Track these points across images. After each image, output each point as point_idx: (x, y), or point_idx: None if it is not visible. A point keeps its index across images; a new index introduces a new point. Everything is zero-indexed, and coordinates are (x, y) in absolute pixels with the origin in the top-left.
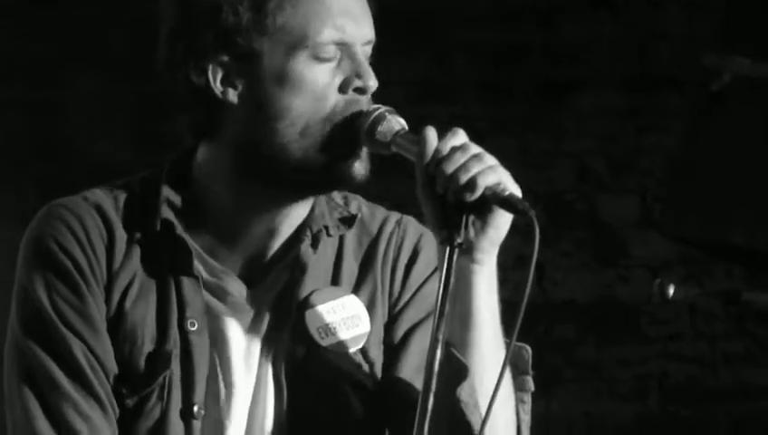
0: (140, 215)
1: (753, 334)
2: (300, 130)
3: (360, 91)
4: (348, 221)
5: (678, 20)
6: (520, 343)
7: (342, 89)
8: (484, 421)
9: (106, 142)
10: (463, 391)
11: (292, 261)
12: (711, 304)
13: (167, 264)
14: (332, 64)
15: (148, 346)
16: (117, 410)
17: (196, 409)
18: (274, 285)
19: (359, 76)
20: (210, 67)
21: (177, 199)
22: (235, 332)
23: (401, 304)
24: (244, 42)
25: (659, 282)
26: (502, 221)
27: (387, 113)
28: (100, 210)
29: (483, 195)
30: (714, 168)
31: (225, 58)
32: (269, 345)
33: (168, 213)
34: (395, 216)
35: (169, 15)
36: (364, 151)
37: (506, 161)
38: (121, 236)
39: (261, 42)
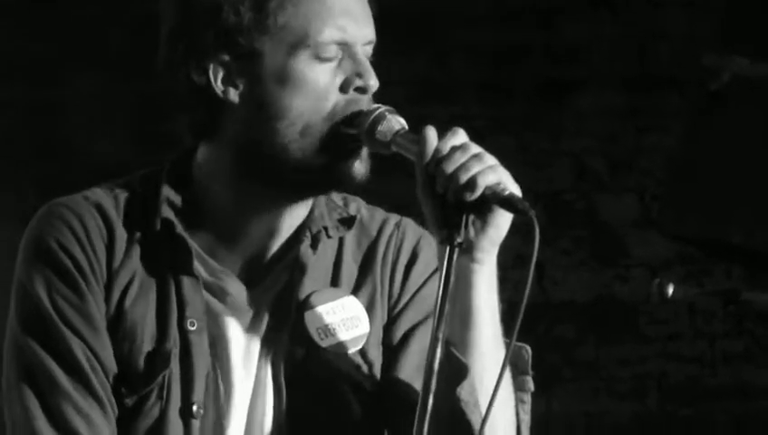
0: (140, 214)
1: (752, 334)
2: (300, 129)
3: (362, 90)
4: (347, 222)
5: (678, 20)
6: (520, 343)
7: (343, 88)
8: (484, 420)
9: (106, 142)
10: (463, 390)
11: (291, 262)
12: (710, 303)
13: (166, 263)
14: (333, 64)
15: (148, 345)
16: (116, 409)
17: (195, 408)
18: (274, 286)
19: (360, 76)
20: (211, 66)
21: (177, 199)
22: (234, 332)
23: (400, 305)
24: (245, 41)
25: (658, 281)
26: (502, 221)
27: (387, 113)
28: (100, 209)
29: (483, 194)
30: (713, 167)
31: (226, 57)
32: (268, 346)
33: (168, 212)
34: (394, 218)
35: (170, 15)
36: (364, 151)
37: (506, 161)
38: (121, 235)
39: (262, 41)
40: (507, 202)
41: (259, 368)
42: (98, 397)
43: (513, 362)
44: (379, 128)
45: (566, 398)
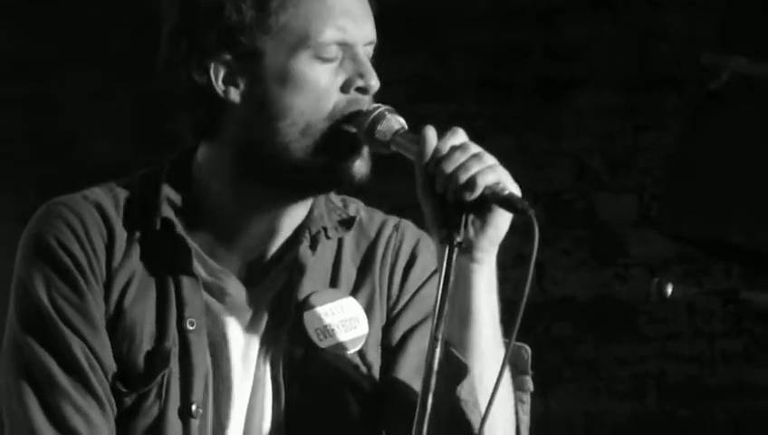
0: (140, 213)
1: (751, 333)
2: (301, 129)
3: (363, 90)
4: (346, 223)
5: (677, 19)
6: (519, 343)
7: (344, 89)
8: (483, 419)
9: (106, 142)
10: (463, 390)
11: (290, 262)
12: (709, 302)
13: (166, 262)
14: (334, 64)
15: (147, 345)
16: (115, 409)
17: (194, 408)
18: (273, 286)
19: (361, 76)
20: (212, 66)
21: (177, 199)
22: (233, 332)
23: (399, 306)
24: (246, 40)
25: (657, 281)
26: (501, 220)
27: (386, 112)
28: (99, 209)
29: (482, 194)
30: (712, 167)
31: (228, 57)
32: (267, 346)
33: (168, 212)
34: (393, 220)
35: (171, 14)
36: (365, 150)
37: (505, 160)
38: (121, 234)
39: (263, 41)
40: (507, 202)
41: (258, 368)
42: (97, 396)
43: (513, 362)
44: (378, 127)
45: (565, 397)
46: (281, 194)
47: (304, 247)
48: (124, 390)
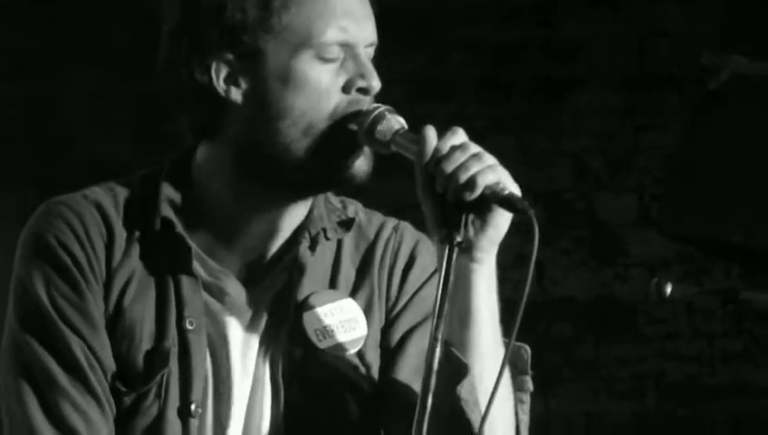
0: (140, 213)
1: (751, 333)
2: (302, 129)
3: (364, 91)
4: (346, 225)
5: (678, 18)
6: (519, 343)
7: (346, 89)
8: (483, 418)
9: (106, 142)
10: (463, 389)
11: (290, 262)
12: (709, 302)
13: (166, 262)
14: (336, 65)
15: (147, 344)
16: (114, 408)
17: (193, 407)
18: (272, 286)
19: (362, 77)
20: (214, 65)
21: (176, 198)
22: (232, 332)
23: (398, 308)
24: (249, 40)
25: (657, 281)
26: (501, 220)
27: (386, 112)
28: (99, 208)
29: (482, 194)
30: (712, 166)
31: (230, 56)
32: (267, 346)
33: (167, 211)
34: (392, 221)
35: (173, 12)
36: (366, 149)
37: (505, 160)
38: (121, 233)
39: (265, 40)
40: (507, 202)
41: (257, 368)
42: (96, 395)
43: (513, 362)
44: (378, 127)
45: (565, 397)
46: (281, 194)
47: (304, 248)
48: (123, 389)
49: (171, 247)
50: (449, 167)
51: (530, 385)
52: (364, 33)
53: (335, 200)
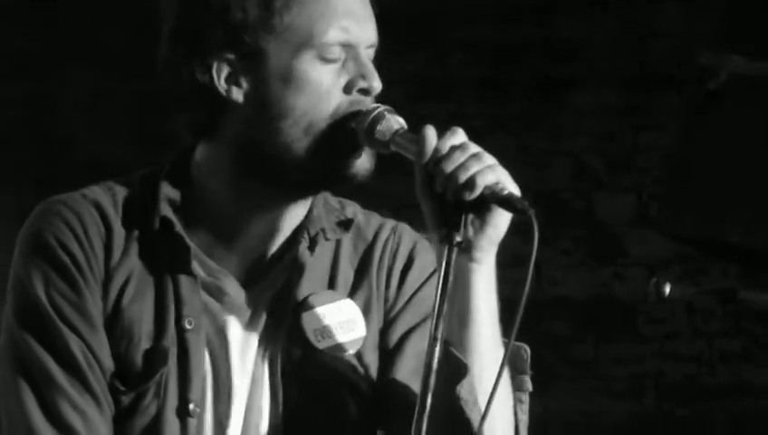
0: (139, 213)
1: (750, 333)
2: (304, 129)
3: (365, 92)
4: (345, 225)
5: (677, 19)
6: (518, 343)
7: (347, 90)
8: (483, 418)
9: (106, 142)
10: (462, 389)
11: (289, 262)
12: (708, 302)
13: (164, 261)
14: (337, 65)
15: (145, 343)
16: (112, 407)
17: (191, 407)
18: (271, 286)
19: (363, 77)
20: (215, 65)
21: (176, 198)
22: (231, 331)
23: (396, 309)
24: (250, 40)
25: (656, 280)
26: (501, 220)
27: (386, 112)
28: (98, 207)
29: (482, 194)
30: (710, 166)
31: (231, 56)
32: (265, 346)
33: (167, 211)
34: (390, 223)
35: (173, 12)
36: (367, 149)
37: (504, 160)
38: (119, 233)
39: (267, 40)
40: (506, 201)
41: (256, 367)
42: (94, 394)
43: (512, 362)
44: (378, 127)
45: (563, 397)
46: (281, 193)
47: (303, 248)
48: (122, 388)
49: (170, 247)
50: (449, 167)
51: (529, 385)
52: (365, 33)
53: (333, 201)
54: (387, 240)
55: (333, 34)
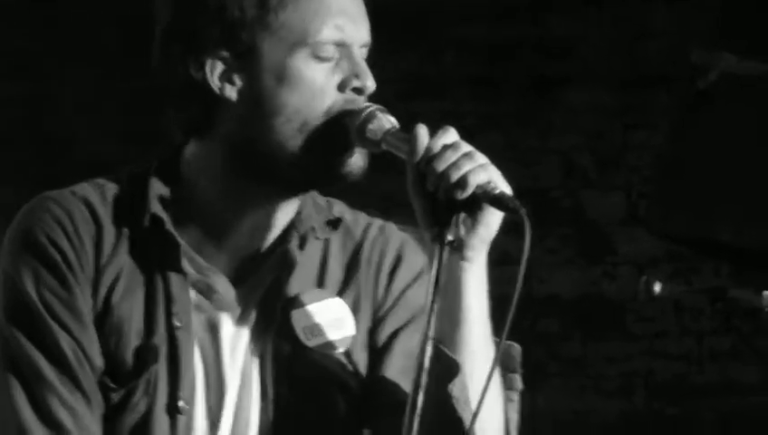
0: (129, 210)
1: (739, 331)
2: (297, 127)
3: (358, 91)
4: (333, 224)
5: (669, 17)
6: (509, 342)
7: (341, 88)
8: (474, 416)
9: (106, 141)
10: (454, 387)
11: (279, 260)
12: (697, 301)
13: (154, 259)
14: (331, 64)
15: (135, 341)
16: (102, 405)
17: (181, 404)
18: (261, 284)
19: (357, 76)
20: (208, 62)
21: (166, 195)
22: (221, 329)
23: (385, 308)
24: (246, 37)
25: (645, 279)
26: (492, 219)
27: (377, 112)
28: (88, 205)
29: (474, 193)
30: (701, 165)
31: (225, 53)
32: (255, 344)
33: (156, 208)
34: (377, 222)
35: (169, 10)
36: (359, 148)
37: (493, 158)
38: (109, 230)
39: (262, 38)
40: (498, 201)
41: (246, 365)
42: (84, 391)
43: (503, 361)
44: (369, 126)
45: (552, 395)
46: (273, 191)
47: (293, 246)
48: (112, 385)
49: (160, 244)
50: (441, 166)
51: (519, 384)
52: (359, 33)
53: (321, 200)
54: (375, 239)
55: (327, 33)
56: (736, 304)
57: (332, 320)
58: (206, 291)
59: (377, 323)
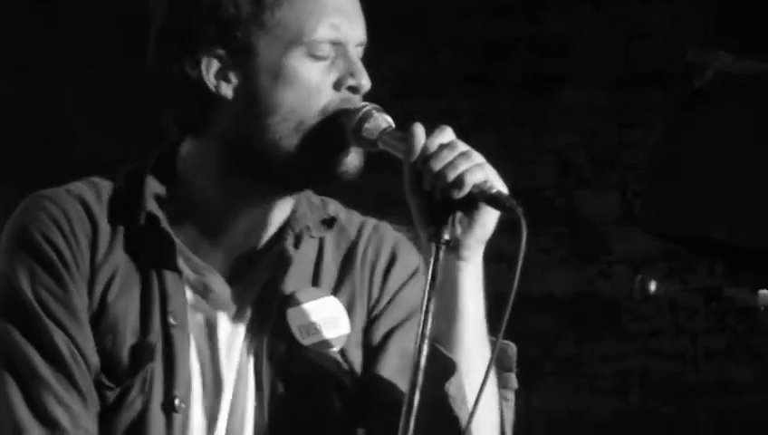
0: (124, 208)
1: (734, 330)
2: (293, 126)
3: (354, 89)
4: (328, 223)
5: (665, 16)
6: (504, 341)
7: (336, 87)
8: (471, 415)
9: (106, 141)
10: (451, 386)
11: (274, 259)
12: (692, 300)
13: (150, 257)
14: (326, 63)
15: (131, 339)
16: (97, 403)
17: (177, 402)
18: (257, 283)
19: (352, 75)
20: (204, 60)
21: (161, 193)
22: (217, 328)
23: (380, 307)
24: (241, 35)
25: (641, 278)
26: (489, 219)
27: (374, 111)
28: (83, 203)
29: (470, 192)
30: (695, 164)
31: (221, 51)
32: (250, 342)
33: (152, 206)
34: (371, 221)
35: (165, 8)
36: (355, 147)
37: (488, 156)
38: (105, 229)
39: (257, 36)
40: (494, 200)
41: (241, 363)
42: (80, 389)
43: (498, 359)
44: (365, 126)
45: (547, 394)
46: (269, 189)
47: (288, 245)
48: (108, 384)
49: (156, 243)
50: (437, 165)
51: (514, 382)
52: (355, 31)
53: (315, 199)
54: (369, 238)
55: (323, 32)
56: (731, 304)
57: (328, 318)
58: (202, 290)
59: (372, 321)
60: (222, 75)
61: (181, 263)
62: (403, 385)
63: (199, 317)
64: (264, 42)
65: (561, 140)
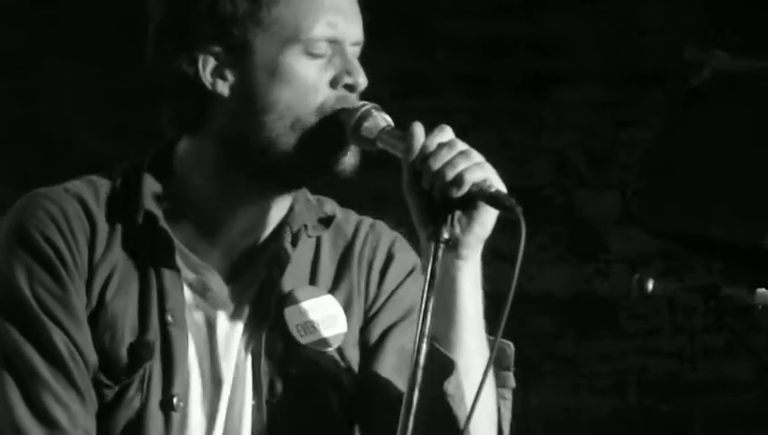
0: (122, 207)
1: (732, 329)
2: (289, 123)
3: (350, 88)
4: (325, 222)
5: (662, 15)
6: (502, 340)
7: (333, 85)
8: (470, 414)
9: (106, 141)
10: (450, 385)
11: (271, 257)
12: (690, 298)
13: (148, 256)
14: (323, 61)
15: (129, 337)
16: (96, 402)
17: (175, 400)
18: (254, 281)
19: (349, 73)
20: (201, 57)
21: (159, 192)
22: (216, 327)
23: (377, 306)
24: (238, 32)
25: (638, 277)
26: (487, 217)
27: (373, 110)
28: (81, 201)
29: (469, 191)
30: (693, 163)
31: (217, 49)
32: (248, 340)
33: (150, 205)
34: (367, 220)
35: (162, 5)
36: (353, 145)
37: (486, 155)
38: (103, 227)
39: (254, 33)
40: (493, 199)
41: (239, 362)
42: (78, 388)
43: (496, 358)
44: (365, 124)
45: (545, 393)
46: (266, 188)
47: (286, 243)
48: (106, 382)
49: (153, 241)
50: (436, 164)
51: (512, 382)
52: (352, 30)
53: (312, 198)
54: (366, 237)
55: (320, 30)
56: (729, 302)
57: (325, 317)
58: (200, 288)
59: (369, 320)
60: (218, 73)
61: (179, 261)
62: (400, 384)
63: (197, 315)
64: (261, 39)
65: (560, 139)
